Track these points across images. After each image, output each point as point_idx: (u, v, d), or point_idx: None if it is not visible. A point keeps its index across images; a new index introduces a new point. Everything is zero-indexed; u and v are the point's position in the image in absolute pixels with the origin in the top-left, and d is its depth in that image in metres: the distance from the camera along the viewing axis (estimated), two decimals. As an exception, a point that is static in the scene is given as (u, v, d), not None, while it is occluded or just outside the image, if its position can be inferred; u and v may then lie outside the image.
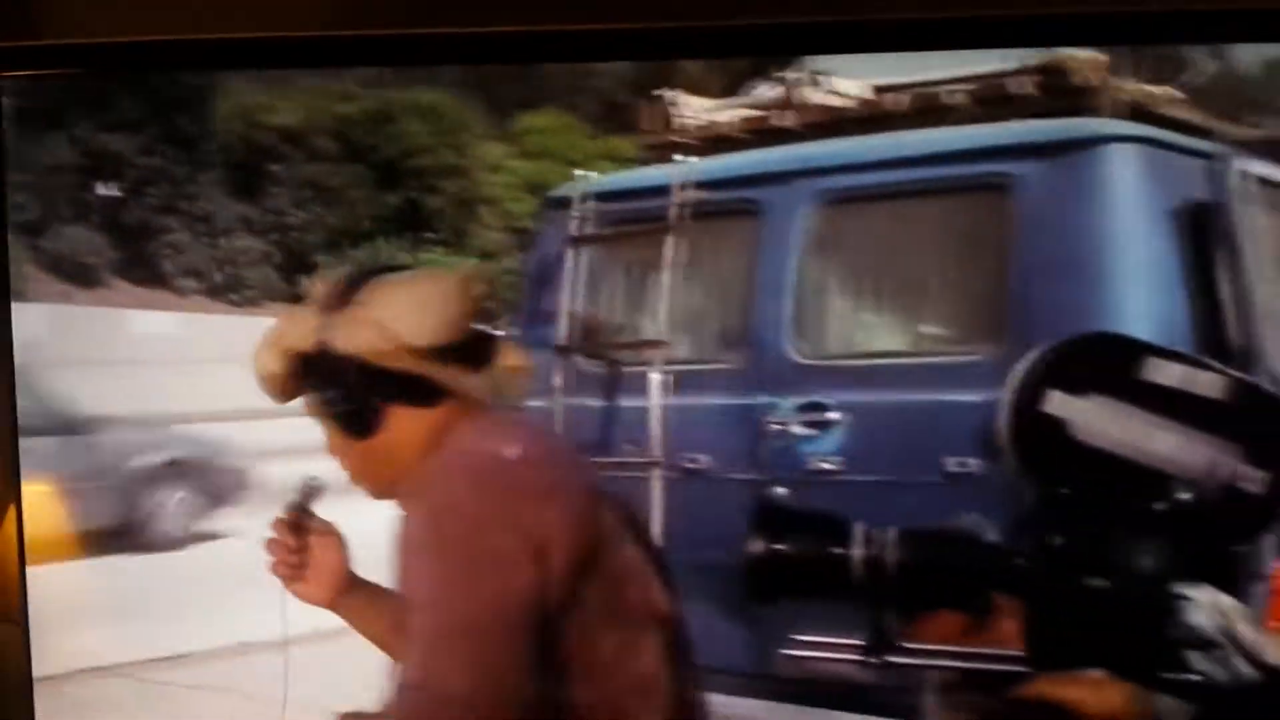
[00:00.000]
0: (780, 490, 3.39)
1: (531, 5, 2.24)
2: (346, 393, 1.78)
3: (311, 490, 1.98)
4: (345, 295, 1.84)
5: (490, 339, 1.85)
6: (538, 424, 1.82)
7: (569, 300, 4.07)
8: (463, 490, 1.66)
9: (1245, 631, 2.05)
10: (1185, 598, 1.89)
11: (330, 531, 1.96)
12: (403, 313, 1.76)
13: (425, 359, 1.75)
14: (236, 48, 2.41)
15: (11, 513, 2.92)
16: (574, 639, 1.63)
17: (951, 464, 3.21)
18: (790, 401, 3.60)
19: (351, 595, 1.95)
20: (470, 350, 1.81)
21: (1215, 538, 1.37)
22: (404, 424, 1.77)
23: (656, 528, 3.71)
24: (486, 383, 1.81)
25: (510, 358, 1.87)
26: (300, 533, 1.94)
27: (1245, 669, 1.98)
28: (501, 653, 1.56)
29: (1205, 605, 1.99)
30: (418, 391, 1.76)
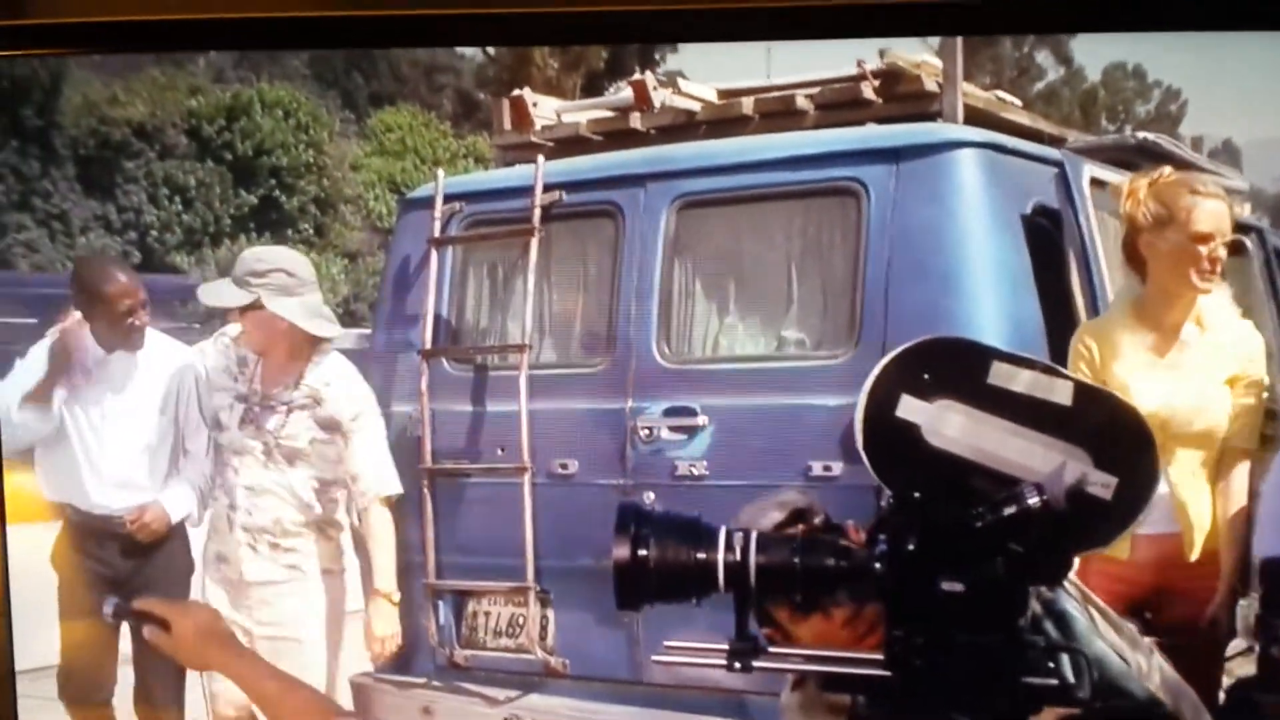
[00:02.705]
0: (648, 495, 3.39)
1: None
2: None
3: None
4: None
5: None
6: None
7: (432, 303, 4.02)
8: None
9: (1111, 630, 2.11)
10: (1062, 587, 1.94)
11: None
12: None
13: None
14: (225, 28, 2.37)
15: (-9, 509, 2.91)
16: None
17: (816, 467, 3.24)
18: (657, 406, 3.60)
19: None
20: None
21: (1067, 542, 1.39)
22: None
23: (528, 534, 3.70)
24: None
25: None
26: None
27: (1111, 665, 2.04)
28: None
29: (1076, 597, 2.04)
30: None
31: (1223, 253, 3.12)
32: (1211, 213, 3.03)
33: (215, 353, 3.88)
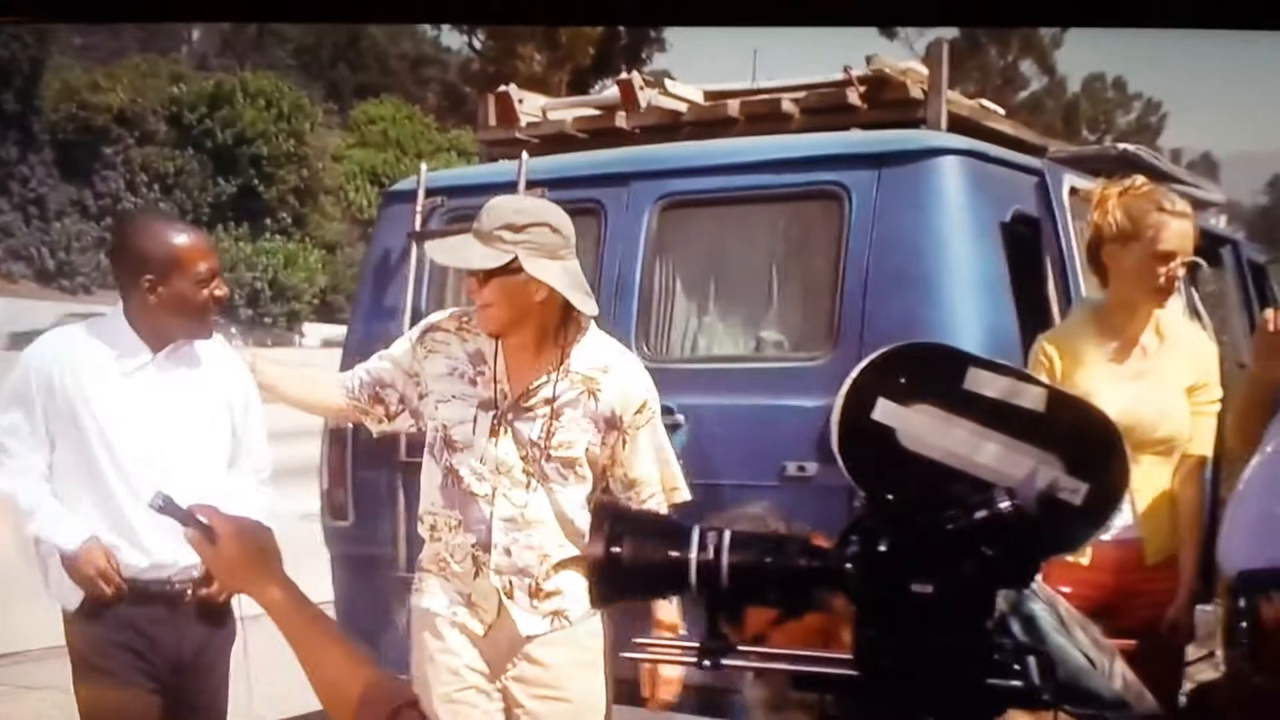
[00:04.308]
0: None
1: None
2: None
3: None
4: None
5: None
6: None
7: (411, 297, 4.01)
8: None
9: (1077, 629, 2.13)
10: (1029, 589, 1.96)
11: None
12: None
13: None
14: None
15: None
16: None
17: (791, 468, 3.24)
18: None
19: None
20: None
21: (1036, 546, 1.40)
22: None
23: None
24: None
25: None
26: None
27: (1076, 666, 2.06)
28: None
29: (1042, 597, 2.07)
30: None
31: (1182, 271, 3.16)
32: (1176, 232, 3.07)
33: (425, 351, 2.96)
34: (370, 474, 3.94)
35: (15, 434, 2.95)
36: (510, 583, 2.87)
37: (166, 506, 1.79)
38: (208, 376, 3.05)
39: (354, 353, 4.14)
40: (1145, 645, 2.75)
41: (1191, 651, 3.38)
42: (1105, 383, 3.01)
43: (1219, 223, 5.49)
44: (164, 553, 2.89)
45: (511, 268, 2.75)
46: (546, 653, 2.89)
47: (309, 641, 1.70)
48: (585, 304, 2.84)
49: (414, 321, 3.99)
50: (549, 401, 2.85)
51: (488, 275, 2.78)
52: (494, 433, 2.86)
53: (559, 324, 2.86)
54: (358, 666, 1.68)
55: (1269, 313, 2.90)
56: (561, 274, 2.79)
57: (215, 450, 3.06)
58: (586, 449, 2.86)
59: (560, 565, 2.87)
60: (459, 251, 2.88)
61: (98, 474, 2.92)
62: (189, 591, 2.94)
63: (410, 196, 4.10)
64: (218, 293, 2.97)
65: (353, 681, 1.64)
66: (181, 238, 2.95)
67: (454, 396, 2.91)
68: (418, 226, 4.06)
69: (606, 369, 2.88)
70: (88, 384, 2.93)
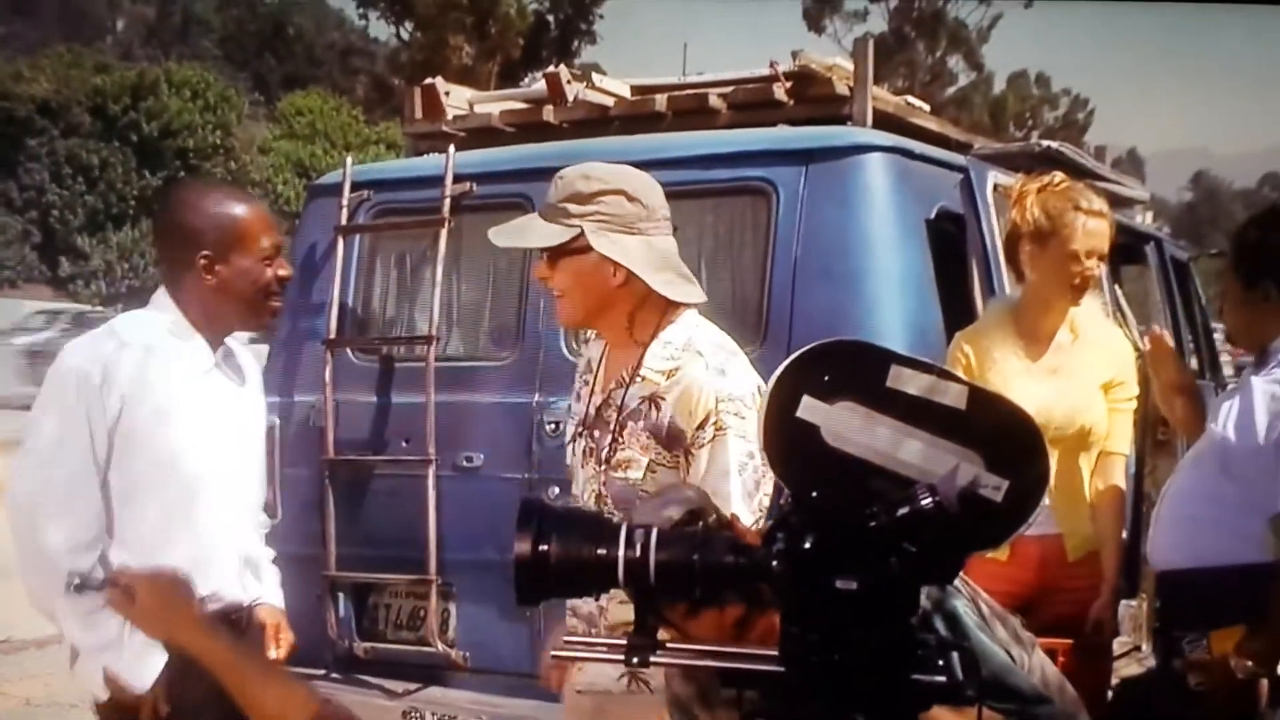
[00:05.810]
0: (552, 490, 3.36)
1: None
2: None
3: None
4: None
5: None
6: None
7: (338, 292, 3.97)
8: None
9: (998, 624, 2.16)
10: (952, 585, 1.99)
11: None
12: None
13: None
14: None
15: None
16: None
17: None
18: (565, 400, 3.57)
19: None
20: None
21: (958, 543, 1.41)
22: None
23: (431, 527, 3.65)
24: None
25: None
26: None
27: (999, 662, 2.08)
28: None
29: (964, 594, 2.09)
30: None
31: (1098, 270, 3.20)
32: (1092, 232, 3.10)
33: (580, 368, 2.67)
34: (298, 472, 3.89)
35: (78, 475, 2.44)
36: (578, 628, 2.47)
37: (85, 583, 1.79)
38: (255, 392, 2.74)
39: (281, 348, 4.10)
40: (1073, 641, 2.79)
41: (1116, 646, 3.42)
42: (1019, 378, 3.05)
43: (1144, 219, 5.58)
44: (232, 593, 2.58)
45: (579, 246, 2.37)
46: (622, 714, 2.44)
47: (244, 679, 1.70)
48: (672, 287, 2.41)
49: (341, 316, 3.96)
50: (618, 411, 2.43)
51: (555, 256, 2.40)
52: (585, 454, 2.49)
53: (649, 313, 2.43)
54: (297, 696, 1.67)
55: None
56: (641, 250, 2.38)
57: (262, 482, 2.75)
58: (647, 469, 2.38)
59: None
60: (520, 232, 2.50)
61: (173, 499, 2.50)
62: (244, 621, 2.64)
63: (336, 190, 4.05)
64: (281, 272, 2.66)
65: (296, 711, 1.63)
66: (241, 208, 2.63)
67: (570, 417, 2.61)
68: (344, 221, 4.01)
69: (675, 371, 2.40)
70: (166, 388, 2.51)
